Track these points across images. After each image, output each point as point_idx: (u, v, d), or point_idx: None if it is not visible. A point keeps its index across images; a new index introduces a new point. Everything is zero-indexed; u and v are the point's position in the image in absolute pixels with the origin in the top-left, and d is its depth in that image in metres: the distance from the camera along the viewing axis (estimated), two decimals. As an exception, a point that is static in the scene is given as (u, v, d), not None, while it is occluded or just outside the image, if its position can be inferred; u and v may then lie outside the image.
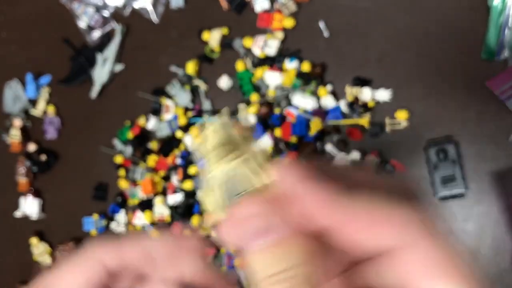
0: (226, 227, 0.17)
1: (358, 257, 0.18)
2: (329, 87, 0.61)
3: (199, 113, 0.68)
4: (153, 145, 0.70)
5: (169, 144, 0.69)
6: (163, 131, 0.70)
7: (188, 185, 0.65)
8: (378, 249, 0.17)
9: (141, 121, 0.71)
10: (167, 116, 0.70)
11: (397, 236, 0.16)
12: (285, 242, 0.16)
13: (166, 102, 0.71)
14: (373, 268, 0.18)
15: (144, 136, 0.72)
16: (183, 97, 0.69)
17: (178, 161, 0.68)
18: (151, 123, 0.70)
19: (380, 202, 0.17)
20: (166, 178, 0.70)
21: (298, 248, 0.16)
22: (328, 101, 0.61)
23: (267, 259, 0.16)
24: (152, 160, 0.69)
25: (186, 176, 0.66)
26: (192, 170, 0.65)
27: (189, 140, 0.67)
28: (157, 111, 0.71)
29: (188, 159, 0.67)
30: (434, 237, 0.16)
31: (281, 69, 0.63)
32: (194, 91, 0.70)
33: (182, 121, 0.68)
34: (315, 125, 0.59)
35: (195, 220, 0.66)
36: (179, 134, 0.68)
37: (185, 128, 0.68)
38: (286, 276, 0.16)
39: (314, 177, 0.17)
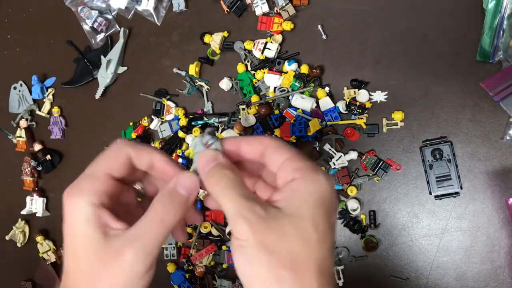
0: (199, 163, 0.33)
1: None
2: (327, 89, 0.63)
3: (201, 116, 0.69)
4: (156, 145, 0.71)
5: (171, 144, 0.70)
6: (165, 132, 0.71)
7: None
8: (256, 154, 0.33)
9: (144, 121, 0.72)
10: (168, 117, 0.72)
11: (266, 147, 0.32)
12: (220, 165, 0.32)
13: (167, 103, 0.72)
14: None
15: (147, 136, 0.74)
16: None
17: (180, 160, 0.69)
18: (154, 124, 0.72)
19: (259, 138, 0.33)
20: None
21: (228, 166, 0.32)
22: (326, 102, 0.62)
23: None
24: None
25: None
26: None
27: (190, 140, 0.69)
28: (158, 112, 0.72)
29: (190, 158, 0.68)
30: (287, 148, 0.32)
31: (280, 71, 0.65)
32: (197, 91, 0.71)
33: (183, 122, 0.69)
34: (314, 126, 0.60)
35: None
36: (180, 134, 0.69)
37: (186, 128, 0.69)
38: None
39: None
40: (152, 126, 0.72)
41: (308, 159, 0.31)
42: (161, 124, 0.72)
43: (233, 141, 0.33)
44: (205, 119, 0.68)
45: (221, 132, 0.67)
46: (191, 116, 0.70)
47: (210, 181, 0.31)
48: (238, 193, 0.29)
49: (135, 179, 0.36)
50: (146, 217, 0.31)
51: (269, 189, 0.34)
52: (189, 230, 0.68)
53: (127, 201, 0.36)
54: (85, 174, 0.35)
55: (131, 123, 0.74)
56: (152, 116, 0.72)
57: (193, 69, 0.70)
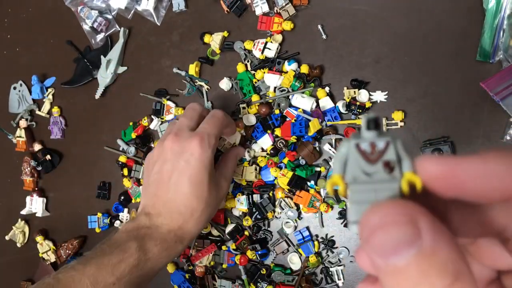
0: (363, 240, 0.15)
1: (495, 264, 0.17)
2: (327, 89, 0.63)
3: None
4: (155, 144, 0.71)
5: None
6: (164, 132, 0.71)
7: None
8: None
9: (144, 121, 0.72)
10: (168, 117, 0.72)
11: None
12: (433, 252, 0.13)
13: (167, 103, 0.72)
14: None
15: (147, 136, 0.74)
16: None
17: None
18: (154, 124, 0.72)
19: None
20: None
21: (448, 259, 0.13)
22: (326, 102, 0.62)
23: (416, 275, 0.13)
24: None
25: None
26: None
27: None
28: (158, 112, 0.72)
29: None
30: None
31: (280, 71, 0.65)
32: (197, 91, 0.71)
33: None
34: (314, 126, 0.60)
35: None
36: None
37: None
38: None
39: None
40: (152, 126, 0.72)
41: None
42: (161, 124, 0.72)
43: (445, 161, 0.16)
44: None
45: None
46: None
47: None
48: None
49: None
50: (225, 162, 0.60)
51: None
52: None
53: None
54: (208, 130, 0.54)
55: (130, 123, 0.74)
56: (152, 116, 0.72)
57: (193, 69, 0.70)
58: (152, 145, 0.72)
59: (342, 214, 0.61)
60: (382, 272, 0.15)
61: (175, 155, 0.52)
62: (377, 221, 0.15)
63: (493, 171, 0.15)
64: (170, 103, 0.72)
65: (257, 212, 0.63)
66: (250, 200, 0.64)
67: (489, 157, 0.15)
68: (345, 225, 0.61)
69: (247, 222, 0.65)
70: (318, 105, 0.63)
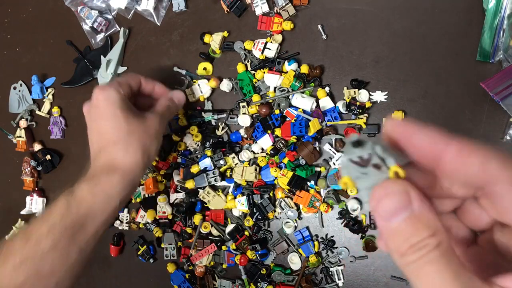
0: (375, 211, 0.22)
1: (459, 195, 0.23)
2: (327, 89, 0.63)
3: (200, 113, 0.69)
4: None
5: (169, 143, 0.70)
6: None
7: (190, 184, 0.66)
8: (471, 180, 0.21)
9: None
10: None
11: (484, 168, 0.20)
12: (419, 215, 0.20)
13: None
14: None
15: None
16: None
17: (179, 160, 0.70)
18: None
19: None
20: (169, 177, 0.71)
21: (430, 218, 0.20)
22: (326, 102, 0.62)
23: (407, 230, 0.20)
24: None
25: (188, 175, 0.67)
26: (193, 169, 0.66)
27: (189, 140, 0.69)
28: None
29: (189, 158, 0.68)
30: None
31: (280, 71, 0.65)
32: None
33: (183, 121, 0.69)
34: (314, 126, 0.60)
35: (196, 219, 0.67)
36: (175, 137, 0.69)
37: (182, 131, 0.70)
38: (427, 243, 0.20)
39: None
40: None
41: None
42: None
43: (422, 136, 0.23)
44: (204, 115, 0.68)
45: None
46: (189, 112, 0.69)
47: (398, 247, 0.21)
48: (450, 276, 0.19)
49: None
50: (153, 107, 0.59)
51: (470, 242, 0.23)
52: (189, 230, 0.68)
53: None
54: (116, 80, 0.57)
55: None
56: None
57: (201, 68, 0.69)
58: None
59: (342, 214, 0.61)
60: (384, 231, 0.21)
61: (89, 113, 0.59)
62: (382, 192, 0.21)
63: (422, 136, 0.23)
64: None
65: (257, 213, 0.63)
66: (251, 200, 0.64)
67: (429, 128, 0.23)
68: (345, 225, 0.61)
69: (248, 222, 0.65)
70: (318, 105, 0.63)
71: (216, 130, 0.67)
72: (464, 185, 0.22)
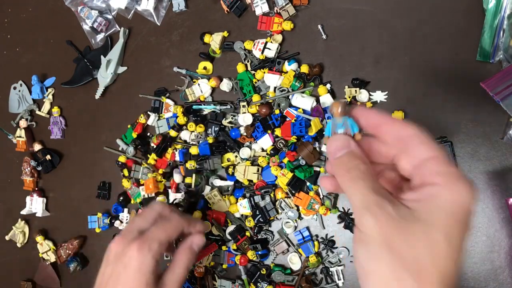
0: (328, 146, 0.33)
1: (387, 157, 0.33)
2: (328, 86, 0.62)
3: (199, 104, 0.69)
4: (154, 140, 0.71)
5: (166, 140, 0.70)
6: (162, 128, 0.71)
7: (190, 180, 0.67)
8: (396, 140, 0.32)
9: (141, 119, 0.72)
10: (166, 114, 0.72)
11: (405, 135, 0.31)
12: (354, 151, 0.32)
13: (166, 101, 0.72)
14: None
15: (146, 136, 0.74)
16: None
17: (177, 158, 0.69)
18: (151, 119, 0.72)
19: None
20: (168, 177, 0.71)
21: (360, 154, 0.32)
22: (326, 100, 0.62)
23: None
24: (152, 159, 0.70)
25: (188, 172, 0.67)
26: (192, 150, 0.67)
27: (186, 136, 0.69)
28: (157, 110, 0.72)
29: (186, 155, 0.68)
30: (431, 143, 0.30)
31: (280, 71, 0.65)
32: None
33: (181, 120, 0.69)
34: (315, 125, 0.60)
35: (196, 215, 0.67)
36: (172, 133, 0.69)
37: (180, 128, 0.69)
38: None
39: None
40: (149, 122, 0.72)
41: (453, 163, 0.29)
42: (158, 120, 0.72)
43: (374, 116, 0.33)
44: (203, 105, 0.68)
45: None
46: (192, 104, 0.69)
47: (339, 170, 0.31)
48: (368, 186, 0.29)
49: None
50: (173, 266, 0.52)
51: (395, 182, 0.33)
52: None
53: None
54: (154, 235, 0.50)
55: (129, 126, 0.74)
56: (149, 112, 0.72)
57: (201, 67, 0.69)
58: (152, 145, 0.72)
59: (342, 218, 0.61)
60: (333, 163, 0.32)
61: (116, 258, 0.50)
62: (332, 139, 0.33)
63: (393, 131, 0.32)
64: (169, 101, 0.72)
65: (260, 215, 0.63)
66: (252, 202, 0.64)
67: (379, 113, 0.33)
68: (346, 227, 0.61)
69: (250, 223, 0.65)
70: (319, 103, 0.62)
71: (224, 119, 0.67)
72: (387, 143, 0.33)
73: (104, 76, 0.76)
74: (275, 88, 0.64)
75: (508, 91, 0.54)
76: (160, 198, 0.69)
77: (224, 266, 0.67)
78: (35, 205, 0.80)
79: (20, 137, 0.82)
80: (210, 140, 0.66)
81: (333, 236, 0.63)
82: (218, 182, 0.67)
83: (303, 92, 0.63)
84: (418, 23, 0.60)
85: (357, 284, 0.62)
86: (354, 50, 0.63)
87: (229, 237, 0.65)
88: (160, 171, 0.70)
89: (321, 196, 0.62)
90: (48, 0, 0.84)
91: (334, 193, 0.61)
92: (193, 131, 0.68)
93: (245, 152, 0.65)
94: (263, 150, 0.65)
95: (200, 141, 0.67)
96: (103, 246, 0.76)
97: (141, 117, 0.72)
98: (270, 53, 0.64)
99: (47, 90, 0.82)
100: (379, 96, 0.60)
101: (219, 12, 0.70)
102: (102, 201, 0.76)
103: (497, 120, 0.57)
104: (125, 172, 0.73)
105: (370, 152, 0.33)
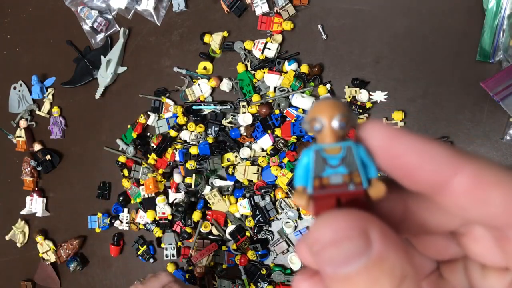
0: (303, 248, 0.16)
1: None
2: (328, 86, 0.62)
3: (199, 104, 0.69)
4: (154, 140, 0.71)
5: (166, 140, 0.70)
6: (162, 127, 0.71)
7: (190, 180, 0.67)
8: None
9: (141, 119, 0.72)
10: (166, 114, 0.72)
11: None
12: (381, 259, 0.14)
13: (166, 101, 0.72)
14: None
15: (146, 136, 0.74)
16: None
17: (177, 157, 0.69)
18: (151, 119, 0.72)
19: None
20: (168, 177, 0.71)
21: (396, 263, 0.14)
22: (326, 102, 0.62)
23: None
24: (152, 159, 0.70)
25: (188, 172, 0.67)
26: (191, 150, 0.67)
27: (186, 136, 0.69)
28: (157, 110, 0.72)
29: (186, 155, 0.68)
30: None
31: (280, 71, 0.65)
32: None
33: (181, 120, 0.69)
34: (314, 126, 0.59)
35: (196, 216, 0.67)
36: (172, 133, 0.69)
37: (180, 128, 0.69)
38: None
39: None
40: (149, 122, 0.72)
41: None
42: (158, 120, 0.72)
43: (416, 142, 0.15)
44: (203, 105, 0.68)
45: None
46: (192, 104, 0.69)
47: None
48: None
49: None
50: None
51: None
52: (188, 230, 0.68)
53: None
54: None
55: (129, 126, 0.74)
56: (149, 112, 0.72)
57: (201, 67, 0.69)
58: (152, 145, 0.72)
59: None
60: (329, 278, 0.14)
61: None
62: (329, 236, 0.14)
63: (429, 154, 0.14)
64: (169, 101, 0.72)
65: (260, 215, 0.63)
66: (252, 202, 0.64)
67: (431, 142, 0.15)
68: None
69: (250, 223, 0.65)
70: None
71: (224, 119, 0.67)
72: (467, 222, 0.16)
73: (104, 76, 0.76)
74: (275, 88, 0.64)
75: (508, 91, 0.54)
76: (160, 199, 0.69)
77: (224, 266, 0.67)
78: (35, 205, 0.80)
79: (20, 137, 0.82)
80: (210, 140, 0.66)
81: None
82: (218, 182, 0.67)
83: (303, 92, 0.63)
84: (418, 23, 0.60)
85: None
86: (354, 50, 0.63)
87: (229, 237, 0.65)
88: (160, 171, 0.70)
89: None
90: (48, 0, 0.84)
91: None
92: (193, 131, 0.68)
93: (245, 152, 0.65)
94: (263, 150, 0.65)
95: (200, 141, 0.67)
96: (103, 246, 0.76)
97: (141, 117, 0.72)
98: (270, 53, 0.64)
99: (47, 90, 0.82)
100: (379, 96, 0.60)
101: (219, 12, 0.70)
102: (102, 201, 0.76)
103: (497, 120, 0.57)
104: (125, 172, 0.73)
105: (401, 222, 0.17)
